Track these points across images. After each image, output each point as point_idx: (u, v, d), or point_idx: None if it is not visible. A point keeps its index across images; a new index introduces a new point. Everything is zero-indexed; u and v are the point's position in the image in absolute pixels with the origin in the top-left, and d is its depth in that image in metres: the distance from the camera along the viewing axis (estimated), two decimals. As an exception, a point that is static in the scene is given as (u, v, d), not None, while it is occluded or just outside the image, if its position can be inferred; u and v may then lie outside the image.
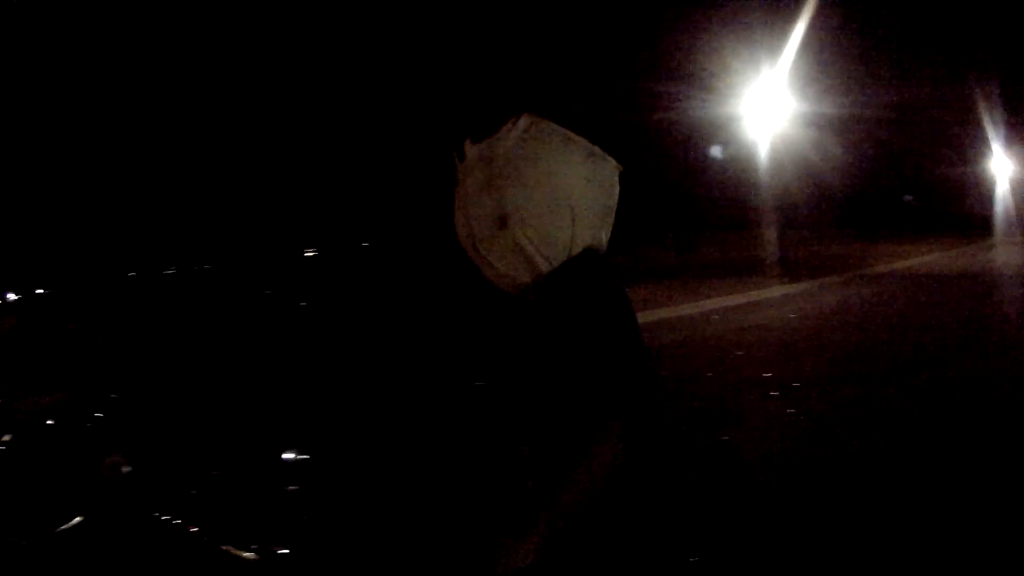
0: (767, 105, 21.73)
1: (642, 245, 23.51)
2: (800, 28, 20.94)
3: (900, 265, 22.16)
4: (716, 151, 29.28)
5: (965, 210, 42.50)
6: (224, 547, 2.43)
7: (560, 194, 1.59)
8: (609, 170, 1.69)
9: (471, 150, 1.67)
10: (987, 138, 39.30)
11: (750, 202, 25.92)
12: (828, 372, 7.94)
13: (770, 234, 22.27)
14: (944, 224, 37.39)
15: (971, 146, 40.28)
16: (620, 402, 1.49)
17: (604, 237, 1.70)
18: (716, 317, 12.78)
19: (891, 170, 40.87)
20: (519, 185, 1.58)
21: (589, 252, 1.62)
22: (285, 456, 2.64)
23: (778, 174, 23.02)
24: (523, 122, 1.64)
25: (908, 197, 45.66)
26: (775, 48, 21.66)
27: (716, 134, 26.78)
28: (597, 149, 1.67)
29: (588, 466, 1.44)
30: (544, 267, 1.58)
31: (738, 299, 14.69)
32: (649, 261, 22.24)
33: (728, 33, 24.27)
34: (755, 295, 15.18)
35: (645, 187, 30.63)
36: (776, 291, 15.98)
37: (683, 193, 29.15)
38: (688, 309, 13.26)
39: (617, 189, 1.73)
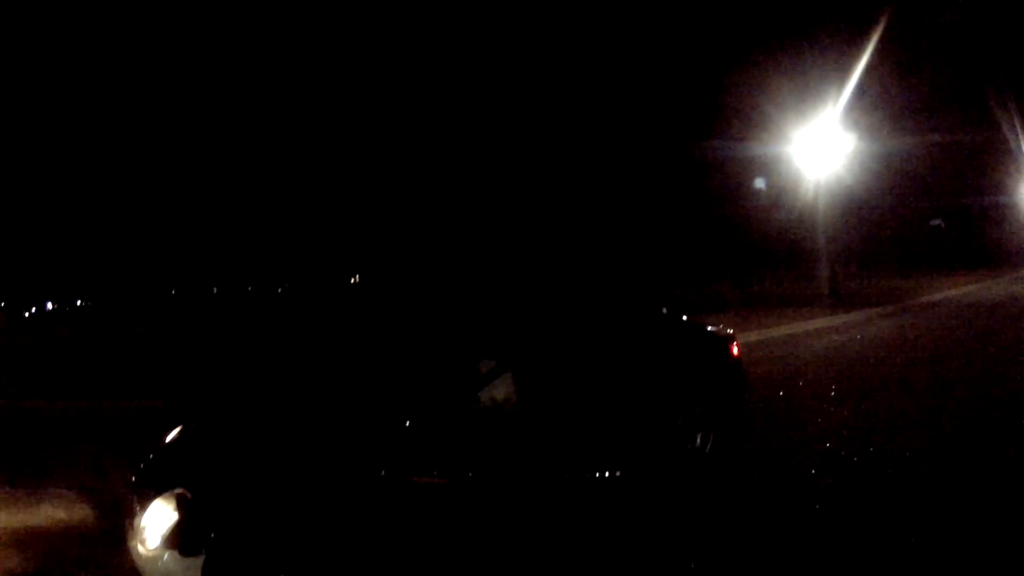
0: (816, 148, 22.94)
1: (703, 281, 25.04)
2: (850, 76, 22.16)
3: (940, 296, 23.05)
4: (761, 184, 30.58)
5: (999, 239, 43.00)
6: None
7: None
8: None
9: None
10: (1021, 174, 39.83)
11: (801, 239, 27.19)
12: (884, 385, 9.15)
13: (821, 268, 23.50)
14: (979, 257, 38.19)
15: (1006, 182, 40.90)
16: None
17: None
18: (781, 342, 14.18)
19: (930, 207, 41.76)
20: None
21: None
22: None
23: (826, 212, 24.24)
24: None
25: (936, 221, 46.30)
26: (825, 94, 22.93)
27: (765, 174, 28.05)
28: None
29: None
30: None
31: (798, 327, 16.05)
32: (712, 295, 23.64)
33: (780, 79, 25.70)
34: (814, 324, 16.54)
35: (702, 227, 32.28)
36: (833, 320, 17.27)
37: (738, 232, 30.50)
38: (755, 336, 14.73)
39: None
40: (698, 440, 5.87)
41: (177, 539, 3.46)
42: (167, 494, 3.61)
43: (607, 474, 4.86)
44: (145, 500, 3.72)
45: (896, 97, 31.15)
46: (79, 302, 77.35)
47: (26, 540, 5.13)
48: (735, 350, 6.59)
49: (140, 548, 3.60)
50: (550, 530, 4.58)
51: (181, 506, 3.53)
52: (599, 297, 6.28)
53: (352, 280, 63.70)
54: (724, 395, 6.30)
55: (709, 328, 6.69)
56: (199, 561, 3.41)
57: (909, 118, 31.90)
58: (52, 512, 5.71)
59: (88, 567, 4.60)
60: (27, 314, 62.91)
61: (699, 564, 4.37)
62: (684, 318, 6.64)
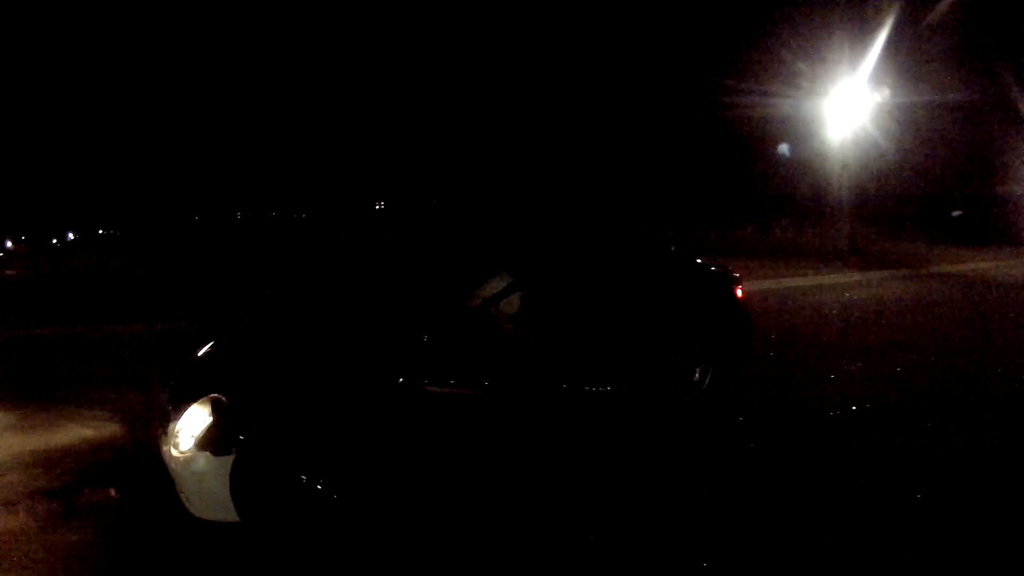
0: (846, 105, 22.75)
1: (726, 226, 25.24)
2: (880, 35, 21.96)
3: (959, 268, 22.68)
4: (787, 147, 30.53)
5: (1020, 227, 42.39)
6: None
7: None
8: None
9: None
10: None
11: (824, 195, 27.14)
12: (890, 344, 9.17)
13: (841, 226, 23.47)
14: (998, 237, 37.56)
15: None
16: None
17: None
18: (796, 293, 14.37)
19: (953, 180, 41.08)
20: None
21: None
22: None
23: (852, 171, 24.14)
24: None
25: (957, 212, 45.68)
26: (856, 52, 22.69)
27: (795, 130, 27.88)
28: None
29: None
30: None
31: (814, 280, 16.30)
32: (734, 241, 23.81)
33: (812, 38, 25.41)
34: (830, 279, 16.70)
35: (731, 175, 32.35)
36: (849, 277, 17.36)
37: (763, 182, 30.48)
38: (770, 284, 14.91)
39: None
40: (697, 374, 6.18)
41: (210, 440, 3.69)
42: (203, 399, 3.82)
43: (602, 388, 5.27)
44: (180, 407, 3.94)
45: (924, 72, 30.66)
46: (100, 231, 78.33)
47: (54, 459, 5.23)
48: (739, 292, 6.78)
49: (173, 451, 3.82)
50: (550, 439, 5.07)
51: (216, 410, 3.75)
52: (610, 233, 6.50)
53: (377, 206, 64.37)
54: (726, 334, 6.51)
55: (714, 269, 6.87)
56: (229, 460, 3.66)
57: (937, 95, 31.35)
58: (79, 431, 5.82)
59: (118, 480, 4.75)
60: (40, 246, 63.39)
61: (682, 483, 4.72)
62: (696, 259, 6.84)
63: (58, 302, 14.44)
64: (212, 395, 3.83)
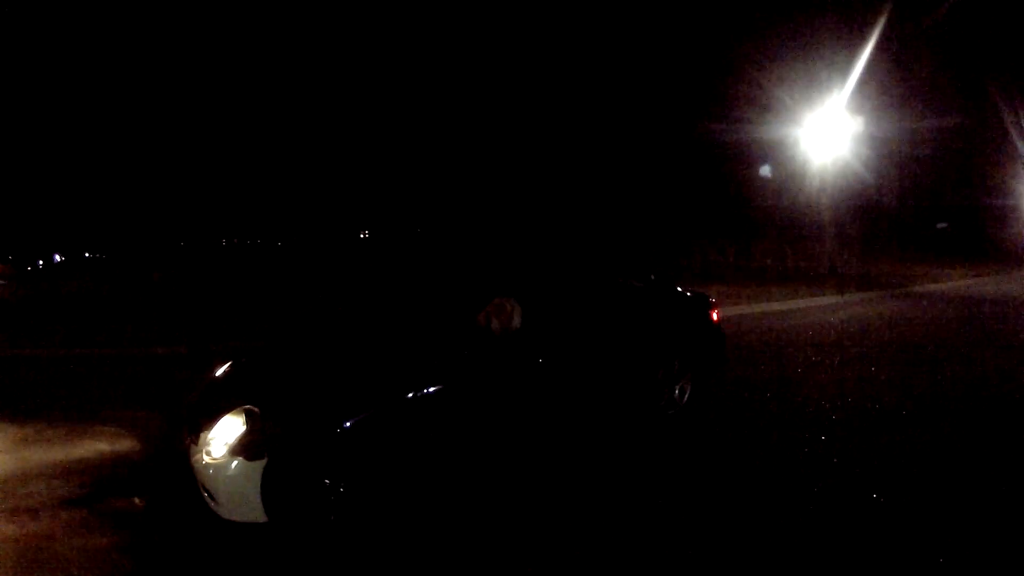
0: (823, 130, 23.26)
1: (709, 252, 25.66)
2: (858, 62, 22.60)
3: (937, 287, 23.01)
4: (767, 170, 31.15)
5: (1003, 240, 43.03)
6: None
7: None
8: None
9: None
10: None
11: (803, 217, 27.64)
12: (861, 360, 9.73)
13: (820, 248, 23.89)
14: (981, 252, 38.05)
15: (1012, 177, 40.88)
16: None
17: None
18: (772, 316, 14.83)
19: (935, 196, 41.78)
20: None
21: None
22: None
23: (831, 196, 24.63)
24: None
25: (942, 224, 46.40)
26: (833, 77, 23.29)
27: (774, 154, 28.43)
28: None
29: None
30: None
31: (792, 304, 16.72)
32: (712, 265, 24.21)
33: (789, 65, 26.07)
34: (807, 302, 17.16)
35: (710, 199, 32.92)
36: (826, 300, 17.82)
37: (745, 208, 30.97)
38: (748, 309, 15.41)
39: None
40: (676, 391, 6.76)
41: (244, 446, 4.08)
42: (236, 410, 4.19)
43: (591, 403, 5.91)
44: (213, 417, 4.30)
45: (903, 94, 31.39)
46: (87, 254, 78.07)
47: (73, 470, 5.46)
48: (715, 315, 7.36)
49: (206, 457, 4.18)
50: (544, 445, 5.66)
51: (249, 419, 4.12)
52: (596, 269, 7.09)
53: (361, 235, 64.75)
54: (703, 354, 7.10)
55: (691, 294, 7.47)
56: (261, 465, 4.04)
57: (915, 117, 32.06)
58: (94, 445, 6.05)
59: (140, 489, 5.06)
60: (30, 268, 63.00)
61: (661, 488, 5.14)
62: (675, 287, 7.46)
63: (51, 323, 14.28)
64: (245, 406, 4.21)
